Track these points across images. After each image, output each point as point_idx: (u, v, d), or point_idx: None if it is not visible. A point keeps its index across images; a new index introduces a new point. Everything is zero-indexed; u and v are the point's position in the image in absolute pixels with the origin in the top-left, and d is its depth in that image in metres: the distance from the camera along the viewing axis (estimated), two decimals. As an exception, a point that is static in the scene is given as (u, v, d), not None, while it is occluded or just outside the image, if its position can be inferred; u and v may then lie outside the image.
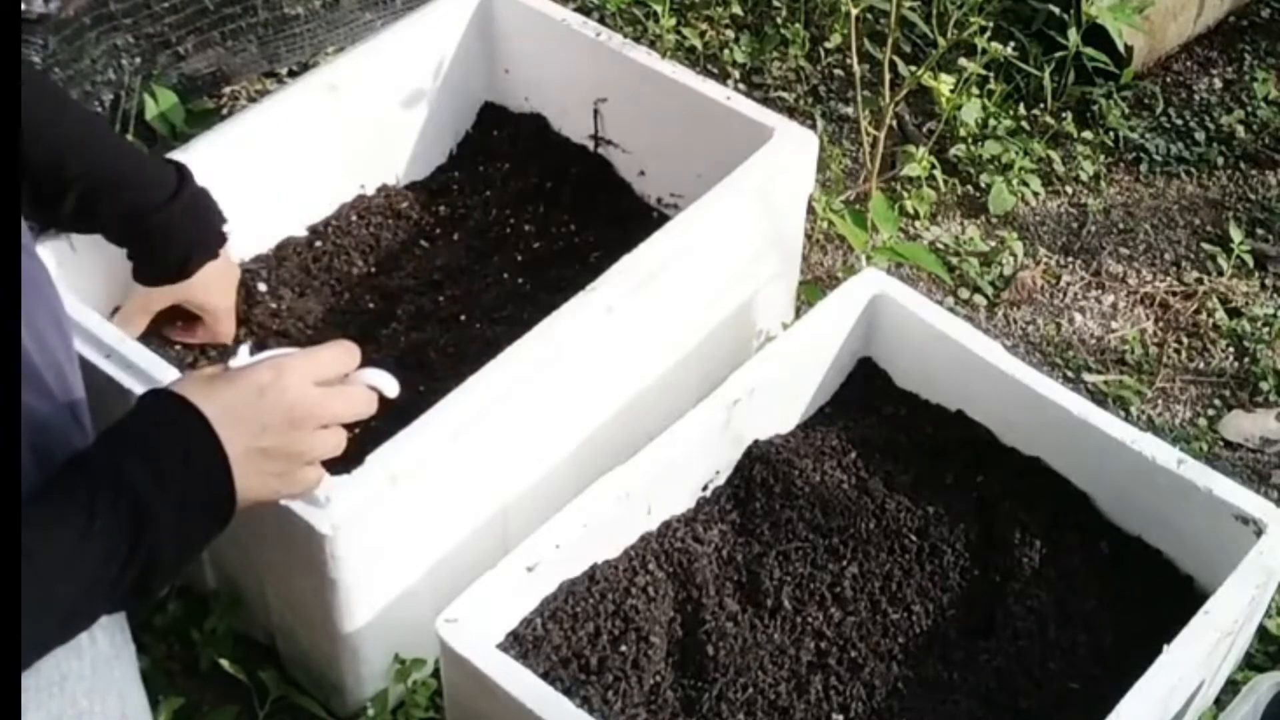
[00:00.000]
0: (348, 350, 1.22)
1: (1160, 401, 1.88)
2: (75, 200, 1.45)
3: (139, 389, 1.34)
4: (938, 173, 2.08)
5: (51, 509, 1.02)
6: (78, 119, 1.47)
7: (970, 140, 2.15)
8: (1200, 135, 2.23)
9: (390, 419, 1.42)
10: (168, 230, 1.51)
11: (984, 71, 2.04)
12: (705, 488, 1.54)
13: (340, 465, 1.32)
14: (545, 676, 1.30)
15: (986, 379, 1.54)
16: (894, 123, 2.13)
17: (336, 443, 1.20)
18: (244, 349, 1.22)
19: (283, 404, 1.13)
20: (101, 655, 1.14)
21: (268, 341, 1.63)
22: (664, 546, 1.47)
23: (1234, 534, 1.41)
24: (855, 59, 1.85)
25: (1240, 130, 2.23)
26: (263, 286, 1.70)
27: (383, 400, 1.28)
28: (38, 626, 1.00)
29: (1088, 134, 2.19)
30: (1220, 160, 2.20)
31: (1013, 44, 1.90)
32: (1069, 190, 2.15)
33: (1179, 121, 2.24)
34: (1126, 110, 2.23)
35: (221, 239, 1.56)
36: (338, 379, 1.20)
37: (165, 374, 1.37)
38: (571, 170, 1.87)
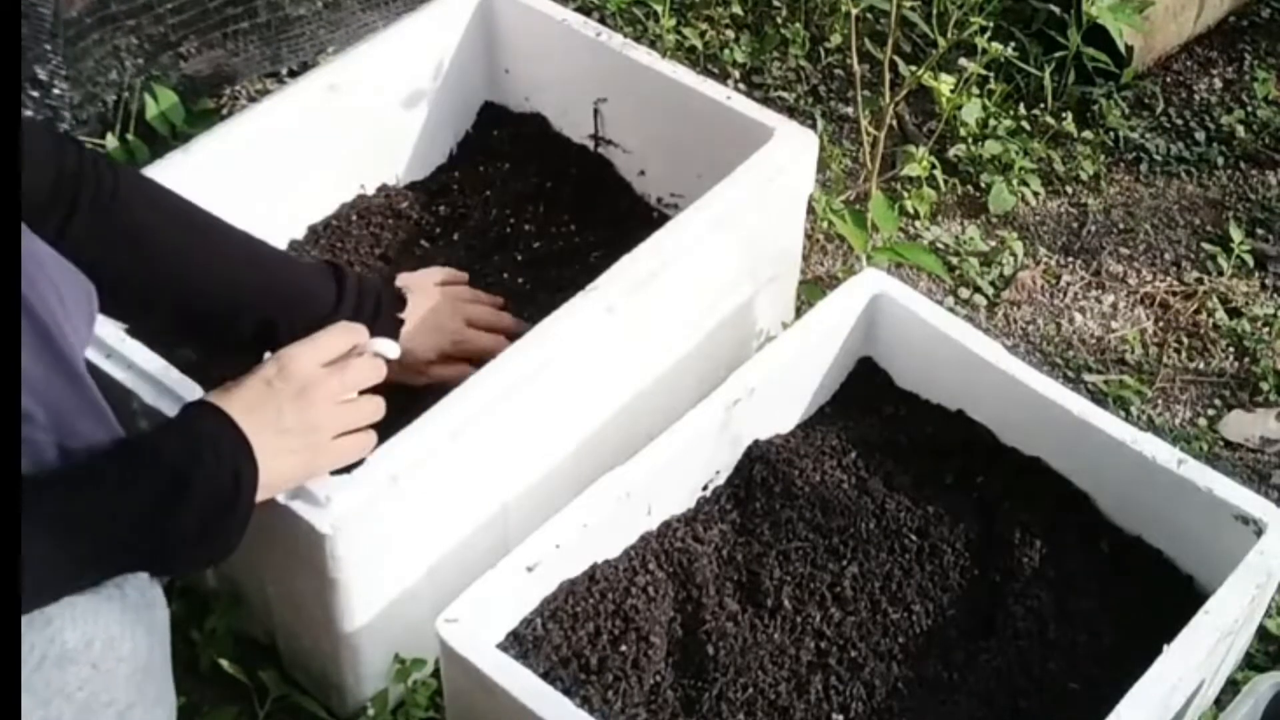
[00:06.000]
0: (346, 329, 1.30)
1: (1160, 401, 1.88)
2: (252, 327, 1.37)
3: (139, 389, 1.36)
4: (938, 173, 2.08)
5: (87, 470, 1.10)
6: (239, 240, 1.40)
7: (970, 140, 2.14)
8: (1200, 135, 2.22)
9: (390, 419, 1.42)
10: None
11: (984, 71, 2.04)
12: (705, 488, 1.54)
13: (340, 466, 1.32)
14: (545, 676, 1.30)
15: (986, 379, 1.54)
16: (894, 123, 2.13)
17: (372, 409, 1.31)
18: None
19: (291, 387, 1.24)
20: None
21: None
22: (664, 546, 1.47)
23: (1234, 534, 1.41)
24: (855, 59, 1.85)
25: (1240, 130, 2.23)
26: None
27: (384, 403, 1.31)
28: (52, 573, 1.06)
29: (1088, 134, 2.19)
30: (1220, 160, 2.20)
31: (1013, 44, 1.89)
32: (1069, 190, 2.15)
33: (1179, 121, 2.24)
34: (1126, 110, 2.23)
35: (399, 322, 1.47)
36: (342, 357, 1.29)
37: (167, 374, 1.37)
38: (571, 170, 1.86)
